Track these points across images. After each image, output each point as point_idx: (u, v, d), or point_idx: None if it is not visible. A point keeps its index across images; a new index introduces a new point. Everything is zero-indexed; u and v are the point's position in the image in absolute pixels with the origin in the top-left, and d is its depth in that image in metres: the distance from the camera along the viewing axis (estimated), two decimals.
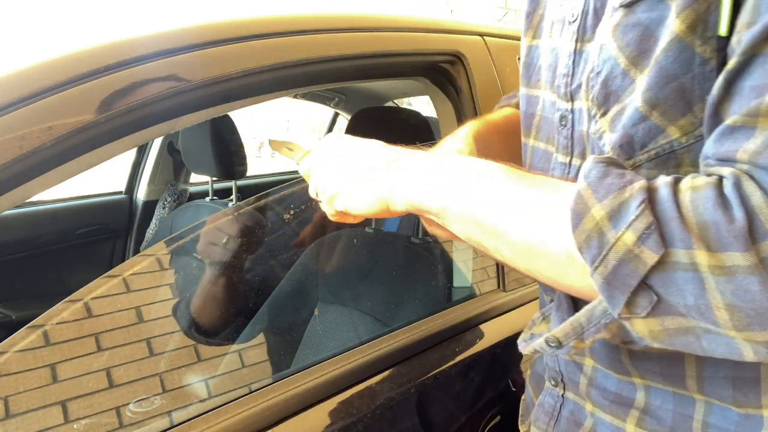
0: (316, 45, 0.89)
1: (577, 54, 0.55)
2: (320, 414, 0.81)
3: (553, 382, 0.70)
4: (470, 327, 1.04)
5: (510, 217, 0.46)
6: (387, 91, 2.42)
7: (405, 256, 1.18)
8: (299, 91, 1.31)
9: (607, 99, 0.51)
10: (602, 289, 0.40)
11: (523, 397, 0.83)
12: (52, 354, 0.70)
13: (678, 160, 0.48)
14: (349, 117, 2.63)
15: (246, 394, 0.78)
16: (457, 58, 1.10)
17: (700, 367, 0.53)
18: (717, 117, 0.42)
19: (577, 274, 0.43)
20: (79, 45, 0.69)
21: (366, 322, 1.07)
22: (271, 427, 0.76)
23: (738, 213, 0.36)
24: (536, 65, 0.66)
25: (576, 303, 0.49)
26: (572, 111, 0.57)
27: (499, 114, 0.82)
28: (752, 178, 0.37)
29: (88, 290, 0.74)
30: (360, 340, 0.94)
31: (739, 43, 0.39)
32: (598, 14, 0.53)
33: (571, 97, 0.57)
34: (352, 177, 0.57)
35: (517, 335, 0.54)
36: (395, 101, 2.57)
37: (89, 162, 0.74)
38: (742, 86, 0.39)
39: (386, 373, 0.90)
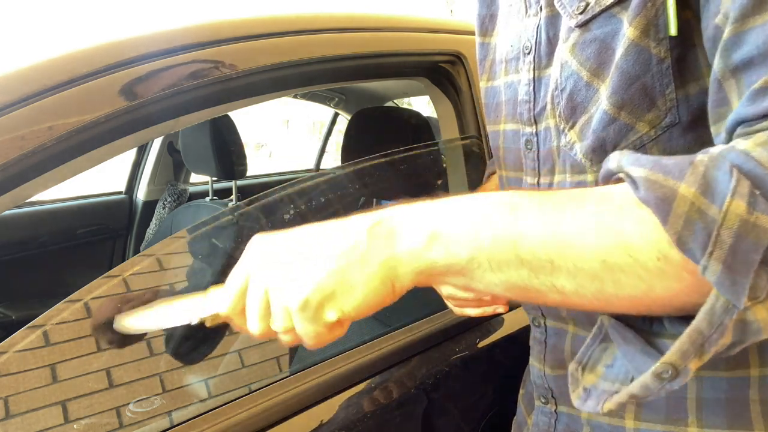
0: (316, 45, 0.89)
1: (536, 81, 0.60)
2: (320, 414, 0.81)
3: (543, 400, 0.71)
4: (470, 327, 1.04)
5: (568, 239, 0.39)
6: (387, 91, 2.42)
7: None
8: (299, 91, 1.31)
9: (573, 112, 0.55)
10: (723, 277, 0.34)
11: (514, 418, 0.83)
12: (52, 354, 0.70)
13: (647, 153, 0.49)
14: (349, 117, 2.64)
15: (246, 394, 0.78)
16: (457, 58, 1.11)
17: None
18: (722, 92, 0.41)
19: (672, 278, 0.37)
20: (79, 45, 0.69)
21: (366, 322, 1.07)
22: (271, 427, 0.76)
23: None
24: (494, 103, 0.71)
25: (633, 329, 0.43)
26: (537, 134, 0.61)
27: (491, 183, 0.88)
28: None
29: (88, 290, 0.73)
30: (360, 340, 0.94)
31: (727, 17, 0.39)
32: (552, 42, 0.57)
33: (535, 121, 0.61)
34: (334, 269, 0.42)
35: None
36: (395, 101, 2.57)
37: (89, 162, 0.74)
38: (750, 57, 0.38)
39: (386, 373, 0.90)
